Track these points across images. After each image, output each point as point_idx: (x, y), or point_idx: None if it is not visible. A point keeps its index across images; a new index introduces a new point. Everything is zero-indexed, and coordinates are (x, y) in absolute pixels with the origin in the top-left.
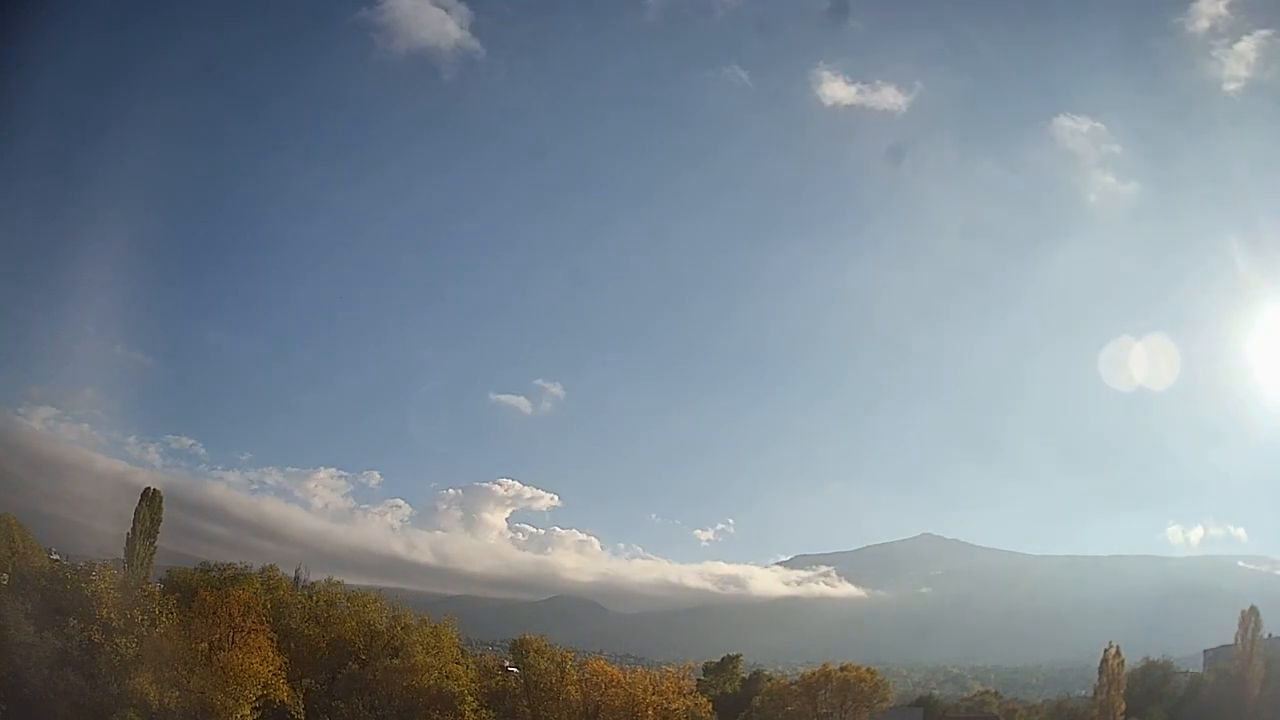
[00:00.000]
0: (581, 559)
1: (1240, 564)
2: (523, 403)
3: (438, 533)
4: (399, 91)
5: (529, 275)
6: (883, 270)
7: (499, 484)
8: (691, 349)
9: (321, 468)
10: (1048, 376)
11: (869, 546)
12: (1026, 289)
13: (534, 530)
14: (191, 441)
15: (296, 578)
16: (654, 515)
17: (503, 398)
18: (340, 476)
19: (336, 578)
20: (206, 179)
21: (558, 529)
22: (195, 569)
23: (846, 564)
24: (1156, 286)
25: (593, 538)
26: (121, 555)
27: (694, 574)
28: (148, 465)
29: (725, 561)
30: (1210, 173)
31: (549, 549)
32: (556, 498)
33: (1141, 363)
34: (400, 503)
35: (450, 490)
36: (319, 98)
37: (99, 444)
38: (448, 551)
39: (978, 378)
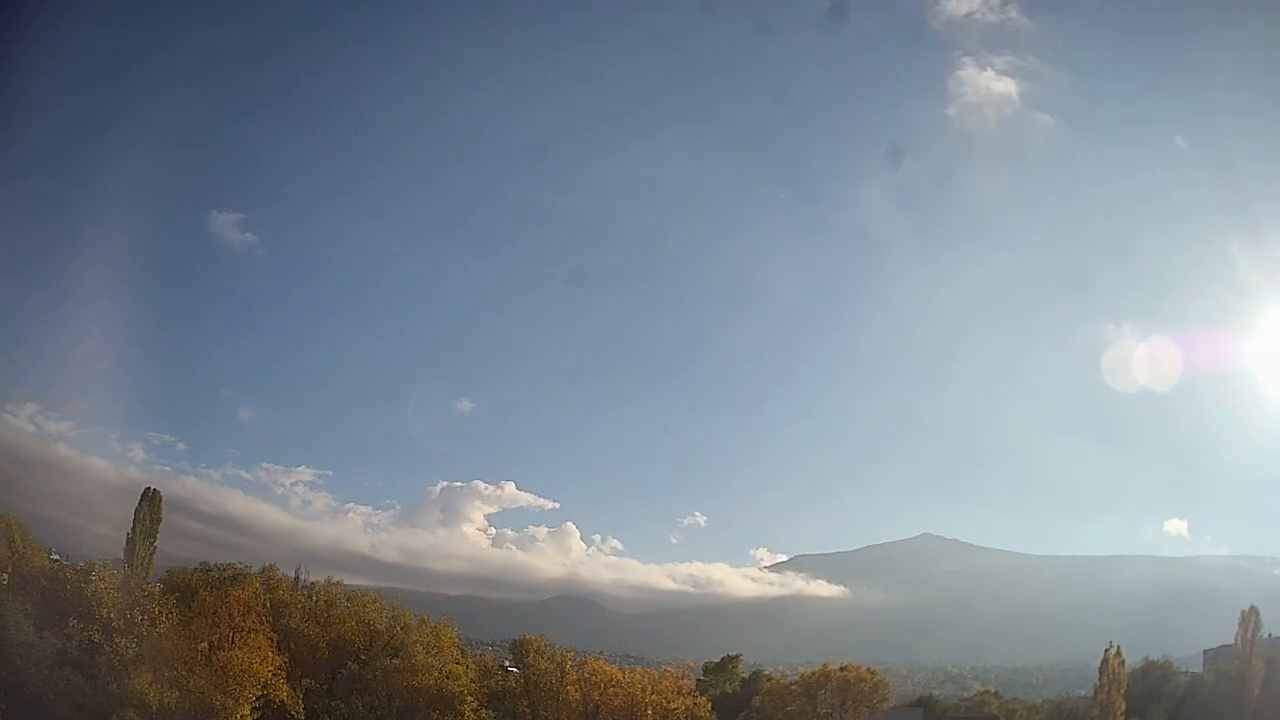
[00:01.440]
0: (576, 560)
1: (1240, 564)
2: (517, 403)
3: (419, 531)
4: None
5: (526, 277)
6: (881, 267)
7: (497, 486)
8: (692, 356)
9: (303, 465)
10: (1049, 376)
11: (869, 546)
12: (1026, 290)
13: (526, 530)
14: (171, 438)
15: (296, 578)
16: (651, 516)
17: (483, 400)
18: (323, 475)
19: (336, 578)
20: (203, 179)
21: (548, 530)
22: (195, 569)
23: (846, 564)
24: (1159, 289)
25: (587, 538)
26: (121, 555)
27: (694, 574)
28: (129, 461)
29: (724, 562)
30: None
31: (539, 550)
32: (543, 499)
33: (1144, 364)
34: (388, 502)
35: (436, 488)
36: (318, 98)
37: (83, 442)
38: (431, 551)
39: (979, 377)
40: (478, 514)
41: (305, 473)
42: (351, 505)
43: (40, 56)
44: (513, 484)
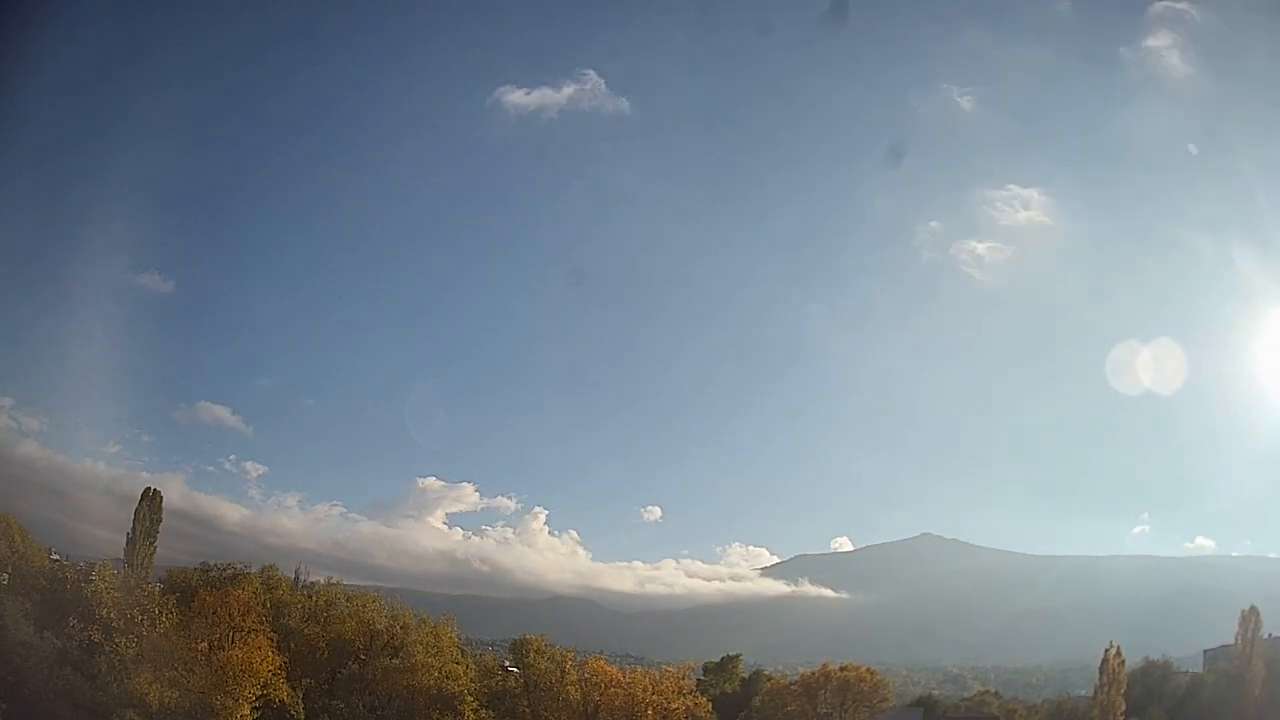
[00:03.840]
0: (573, 561)
1: (1239, 564)
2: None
3: (396, 530)
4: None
5: (528, 276)
6: (879, 265)
7: (479, 490)
8: (685, 356)
9: (281, 465)
10: (1051, 378)
11: (868, 547)
12: (1029, 291)
13: (515, 529)
14: (137, 431)
15: (296, 577)
16: (650, 517)
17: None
18: (302, 473)
19: (335, 577)
20: (203, 180)
21: (545, 531)
22: (195, 569)
23: (846, 564)
24: (1162, 292)
25: (583, 540)
26: (119, 555)
27: (694, 575)
28: (105, 458)
29: (723, 563)
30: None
31: (533, 549)
32: (533, 500)
33: (1148, 367)
34: (365, 501)
35: (413, 487)
36: (319, 97)
37: (65, 441)
38: (413, 550)
39: (981, 379)
40: (457, 512)
41: (284, 471)
42: (326, 503)
43: (40, 56)
44: (507, 496)
